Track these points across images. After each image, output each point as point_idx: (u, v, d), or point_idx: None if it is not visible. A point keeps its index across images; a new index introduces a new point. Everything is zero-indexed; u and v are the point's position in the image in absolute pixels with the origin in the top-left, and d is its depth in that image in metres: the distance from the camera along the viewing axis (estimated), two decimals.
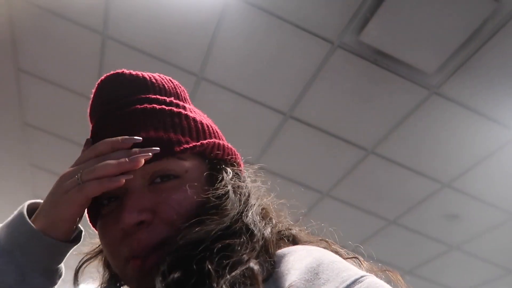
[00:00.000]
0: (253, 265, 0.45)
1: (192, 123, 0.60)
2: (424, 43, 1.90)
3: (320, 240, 0.57)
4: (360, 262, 0.54)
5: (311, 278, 0.42)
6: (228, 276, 0.44)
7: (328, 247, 0.55)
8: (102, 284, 0.62)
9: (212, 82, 2.31)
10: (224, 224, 0.50)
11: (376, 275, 0.50)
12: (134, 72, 0.63)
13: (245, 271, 0.44)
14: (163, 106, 0.59)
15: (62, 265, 0.58)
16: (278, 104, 2.37)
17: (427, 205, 2.80)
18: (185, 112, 0.61)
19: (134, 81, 0.62)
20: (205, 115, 0.66)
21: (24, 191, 3.54)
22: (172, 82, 0.65)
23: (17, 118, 2.81)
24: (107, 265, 0.63)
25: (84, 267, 0.62)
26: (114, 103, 0.60)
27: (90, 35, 2.19)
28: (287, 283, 0.43)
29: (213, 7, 1.96)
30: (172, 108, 0.60)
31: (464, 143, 2.37)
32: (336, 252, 0.54)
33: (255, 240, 0.49)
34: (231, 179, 0.57)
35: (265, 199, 0.59)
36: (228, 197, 0.54)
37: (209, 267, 0.45)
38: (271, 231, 0.52)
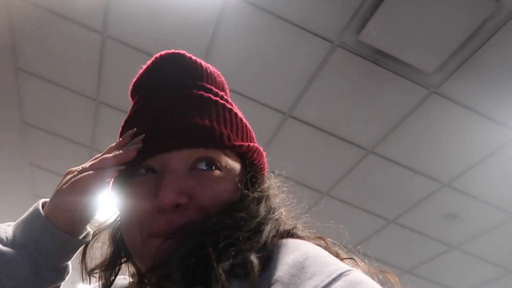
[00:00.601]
0: (253, 257, 0.45)
1: (240, 123, 0.61)
2: (424, 43, 1.90)
3: (318, 237, 0.57)
4: (357, 263, 0.54)
5: (297, 273, 0.43)
6: (227, 262, 0.45)
7: (326, 246, 0.55)
8: (105, 261, 0.62)
9: None
10: (252, 226, 0.51)
11: (373, 276, 0.51)
12: (193, 57, 0.64)
13: (244, 261, 0.45)
14: (218, 99, 0.60)
15: (69, 263, 0.60)
16: (278, 103, 2.37)
17: (427, 204, 2.80)
18: (235, 111, 0.62)
19: (193, 66, 0.62)
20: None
21: (24, 190, 3.54)
22: (221, 78, 0.67)
23: (17, 117, 2.81)
24: (112, 239, 0.63)
25: (95, 241, 0.62)
26: (169, 81, 0.61)
27: (90, 35, 2.19)
28: (274, 277, 0.44)
29: (212, 6, 1.96)
30: (225, 103, 0.61)
31: (463, 143, 2.37)
32: (336, 252, 0.55)
33: (261, 236, 0.50)
34: (267, 187, 0.59)
35: (285, 210, 0.60)
36: (261, 203, 0.55)
37: (211, 252, 0.46)
38: (277, 231, 0.53)
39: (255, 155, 0.62)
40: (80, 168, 0.57)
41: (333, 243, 0.57)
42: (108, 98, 2.53)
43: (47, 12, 2.12)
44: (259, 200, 0.55)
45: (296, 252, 0.46)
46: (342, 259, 0.53)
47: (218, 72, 0.66)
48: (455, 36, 1.84)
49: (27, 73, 2.48)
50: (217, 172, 0.55)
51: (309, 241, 0.53)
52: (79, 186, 0.55)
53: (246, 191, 0.55)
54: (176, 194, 0.51)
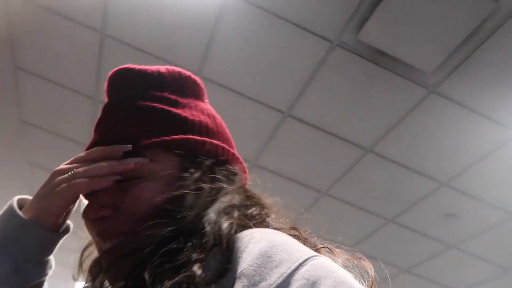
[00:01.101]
0: (197, 269, 0.44)
1: (171, 119, 0.59)
2: (423, 42, 1.90)
3: (292, 228, 0.56)
4: (331, 250, 0.54)
5: (263, 263, 0.42)
6: (167, 284, 0.44)
7: (300, 236, 0.55)
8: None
9: (210, 80, 2.31)
10: (176, 227, 0.50)
11: (349, 262, 0.51)
12: (137, 67, 0.65)
13: (186, 276, 0.44)
14: (147, 103, 0.60)
15: (52, 257, 0.60)
16: (277, 103, 2.37)
17: (425, 204, 2.80)
18: (170, 108, 0.60)
19: (130, 76, 0.65)
20: (210, 113, 0.65)
21: (22, 189, 3.54)
22: (178, 75, 0.65)
23: (15, 116, 2.80)
24: None
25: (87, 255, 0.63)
26: (112, 96, 0.66)
27: (89, 34, 2.19)
28: (239, 270, 0.43)
29: (211, 5, 1.96)
30: (156, 104, 0.60)
31: (462, 142, 2.37)
32: (311, 242, 0.54)
33: (206, 239, 0.48)
34: (196, 179, 0.56)
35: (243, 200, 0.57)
36: (184, 198, 0.54)
37: (146, 275, 0.46)
38: (230, 225, 0.50)
39: (188, 147, 0.58)
40: (71, 173, 0.56)
41: (304, 231, 0.56)
42: None
43: (46, 11, 2.12)
44: (183, 196, 0.54)
45: (263, 241, 0.45)
46: (317, 249, 0.52)
47: (175, 71, 0.65)
48: (454, 35, 1.84)
49: (26, 72, 2.48)
50: (138, 180, 0.56)
51: (283, 231, 0.52)
52: (72, 193, 0.55)
53: (179, 190, 0.54)
54: (95, 210, 0.56)
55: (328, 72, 2.14)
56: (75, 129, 2.81)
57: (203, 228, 0.50)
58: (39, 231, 0.55)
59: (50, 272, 0.60)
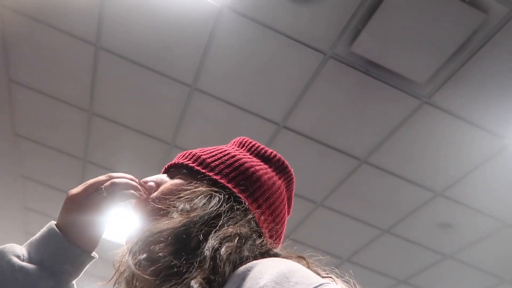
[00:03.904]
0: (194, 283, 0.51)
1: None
2: (415, 54, 1.92)
3: (299, 257, 0.61)
4: (335, 281, 0.58)
5: (281, 281, 0.47)
6: None
7: (308, 265, 0.59)
8: None
9: (205, 92, 2.31)
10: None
11: None
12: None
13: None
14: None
15: (75, 283, 0.65)
16: (272, 114, 2.37)
17: (420, 214, 2.80)
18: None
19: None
20: (245, 164, 0.74)
21: (15, 202, 3.50)
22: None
23: (9, 129, 2.79)
24: None
25: None
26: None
27: (83, 46, 2.19)
28: (258, 286, 0.47)
29: (206, 18, 1.97)
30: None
31: (456, 152, 2.39)
32: (316, 271, 0.58)
33: (204, 264, 0.54)
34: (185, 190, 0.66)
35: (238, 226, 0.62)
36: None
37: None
38: (227, 252, 0.56)
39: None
40: (108, 175, 0.67)
41: (311, 261, 0.61)
42: (101, 109, 2.52)
43: (40, 24, 2.12)
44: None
45: (282, 265, 0.50)
46: (322, 278, 0.56)
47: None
48: (446, 47, 1.86)
49: (19, 85, 2.47)
50: None
51: (292, 260, 0.57)
52: (101, 196, 0.64)
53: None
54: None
55: (321, 83, 2.16)
56: (69, 142, 2.79)
57: (202, 251, 0.56)
58: (77, 251, 0.61)
59: None
